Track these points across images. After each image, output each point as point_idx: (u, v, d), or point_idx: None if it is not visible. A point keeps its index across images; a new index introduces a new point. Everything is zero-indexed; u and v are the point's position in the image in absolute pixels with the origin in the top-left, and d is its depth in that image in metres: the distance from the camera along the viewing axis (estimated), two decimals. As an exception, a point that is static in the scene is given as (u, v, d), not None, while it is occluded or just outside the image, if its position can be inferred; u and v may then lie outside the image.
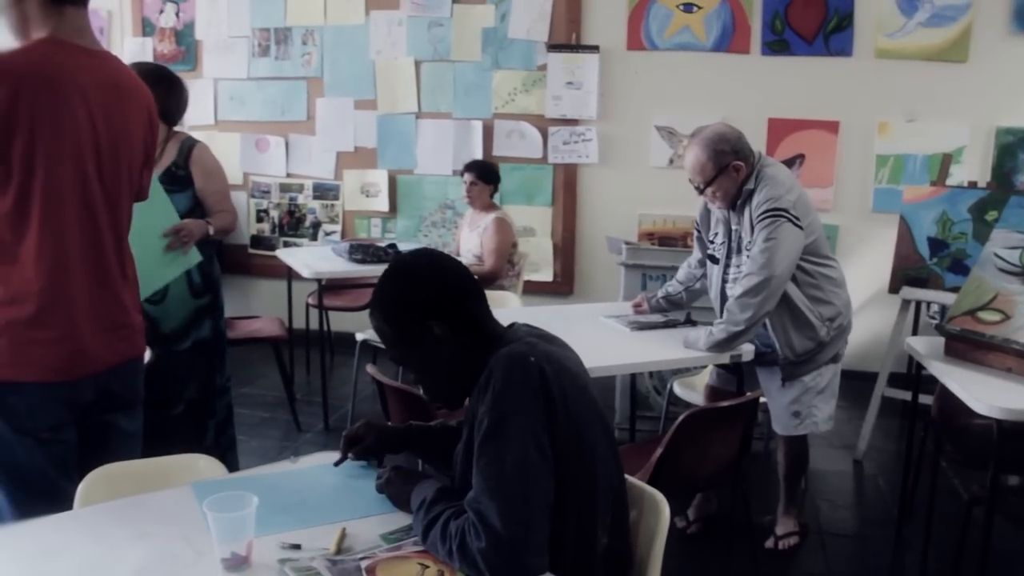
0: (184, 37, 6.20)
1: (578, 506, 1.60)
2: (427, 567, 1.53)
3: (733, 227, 3.24)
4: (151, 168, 2.35)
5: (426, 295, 1.71)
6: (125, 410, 2.26)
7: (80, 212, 2.04)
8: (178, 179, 3.26)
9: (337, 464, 1.96)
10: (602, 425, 1.71)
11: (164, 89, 3.18)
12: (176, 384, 3.36)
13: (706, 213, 3.40)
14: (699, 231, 3.47)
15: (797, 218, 3.05)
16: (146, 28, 6.23)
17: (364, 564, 1.54)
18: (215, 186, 3.39)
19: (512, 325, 1.81)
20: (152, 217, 3.01)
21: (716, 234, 3.34)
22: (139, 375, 2.32)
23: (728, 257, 3.28)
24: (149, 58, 6.12)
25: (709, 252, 3.38)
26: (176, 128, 3.35)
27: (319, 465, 2.01)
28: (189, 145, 3.33)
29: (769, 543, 3.45)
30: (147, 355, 2.54)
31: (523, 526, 1.47)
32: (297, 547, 1.61)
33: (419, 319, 1.70)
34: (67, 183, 2.00)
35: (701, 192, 3.20)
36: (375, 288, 1.77)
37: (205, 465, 2.06)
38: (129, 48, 6.19)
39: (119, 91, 2.12)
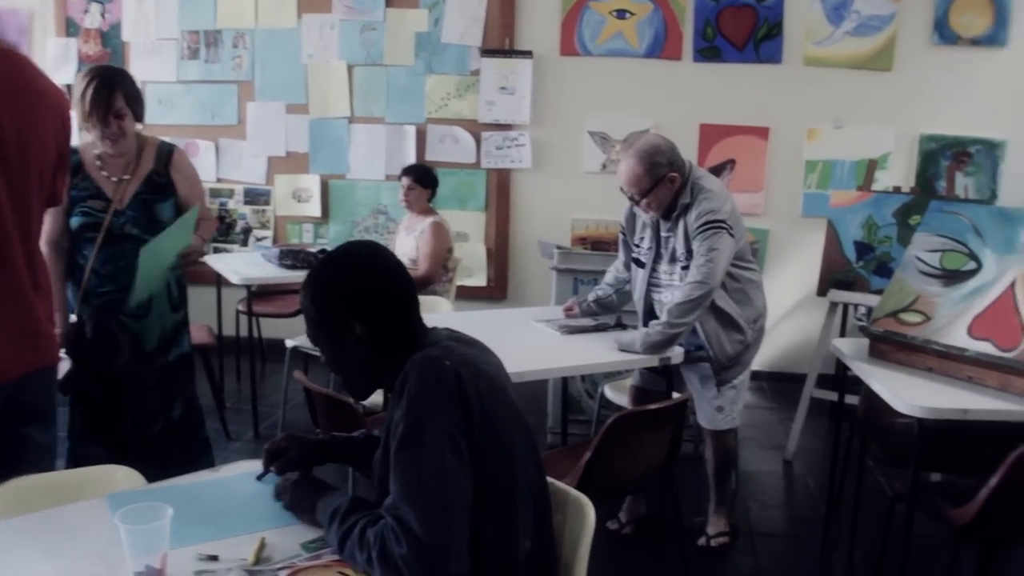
0: (110, 38, 6.05)
1: (498, 509, 1.59)
2: (347, 575, 1.51)
3: (662, 234, 3.27)
4: (65, 173, 2.28)
5: (360, 293, 1.68)
6: (38, 422, 2.18)
7: None
8: (160, 187, 3.12)
9: (259, 478, 1.92)
10: (522, 428, 1.70)
11: (137, 89, 3.07)
12: (160, 400, 3.26)
13: (631, 217, 3.42)
14: (624, 235, 3.49)
15: (731, 227, 3.12)
16: (70, 28, 6.06)
17: (282, 574, 1.50)
18: (198, 193, 3.28)
19: (432, 329, 1.78)
20: (176, 242, 3.04)
21: (642, 239, 3.37)
22: (51, 385, 2.25)
23: (655, 262, 3.31)
24: (73, 60, 5.97)
25: (634, 256, 3.41)
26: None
27: (240, 474, 1.96)
28: (167, 150, 3.17)
29: (701, 541, 3.48)
30: (64, 365, 2.47)
31: (443, 530, 1.46)
32: (214, 558, 1.57)
33: (345, 313, 1.67)
34: None
35: (636, 203, 3.22)
36: (316, 264, 1.76)
37: (122, 476, 2.00)
38: (52, 49, 6.03)
39: (28, 94, 2.05)
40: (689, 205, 3.16)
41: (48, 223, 2.76)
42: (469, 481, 1.52)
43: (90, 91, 2.89)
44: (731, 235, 3.13)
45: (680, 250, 3.21)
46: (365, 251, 1.78)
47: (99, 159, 3.06)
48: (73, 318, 3.05)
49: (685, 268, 3.19)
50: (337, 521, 1.58)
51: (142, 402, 3.19)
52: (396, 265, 1.76)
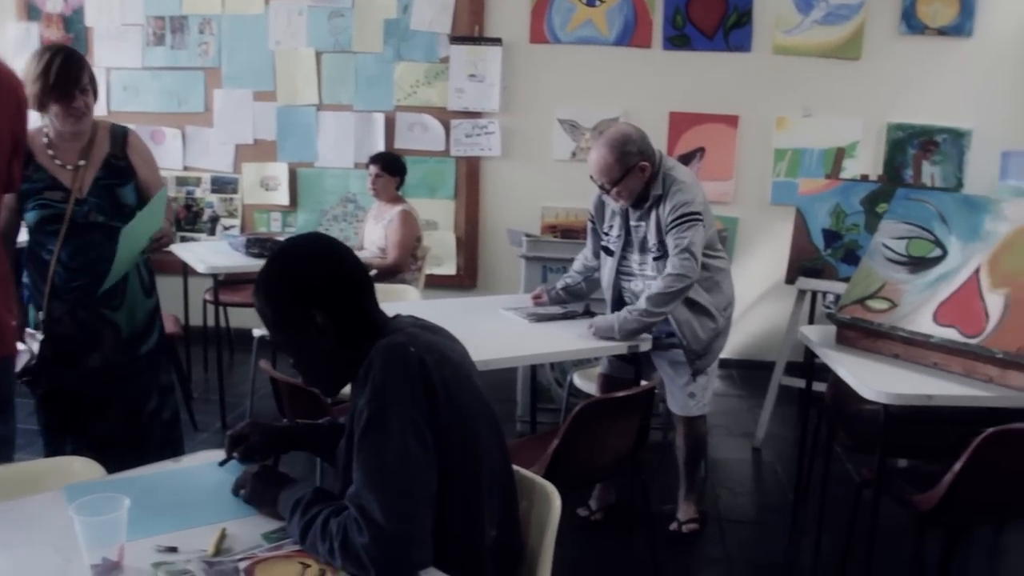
0: (73, 24, 5.95)
1: (463, 498, 1.57)
2: (308, 566, 1.48)
3: (632, 223, 3.27)
4: (21, 158, 2.23)
5: (312, 282, 1.65)
6: (-5, 412, 2.14)
7: None
8: (120, 171, 2.98)
9: (222, 464, 1.89)
10: (488, 416, 1.68)
11: (92, 69, 2.94)
12: (144, 388, 3.19)
13: (600, 205, 3.41)
14: (593, 223, 3.48)
15: (702, 218, 3.14)
16: (31, 12, 5.94)
17: (242, 565, 1.48)
18: (157, 176, 3.15)
19: (396, 316, 1.76)
20: (150, 225, 2.92)
21: (611, 227, 3.35)
22: (10, 375, 2.20)
23: (624, 251, 3.30)
24: (35, 45, 5.85)
25: (603, 244, 3.40)
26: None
27: (201, 464, 1.93)
28: (122, 132, 3.04)
29: (673, 526, 3.49)
30: (27, 355, 2.42)
31: (406, 519, 1.44)
32: (174, 550, 1.54)
33: (302, 306, 1.64)
34: None
35: (607, 192, 3.21)
36: (261, 268, 1.71)
37: (81, 467, 1.96)
38: (12, 33, 5.92)
39: None
40: (662, 197, 3.15)
41: None
42: (434, 469, 1.51)
43: (56, 64, 2.73)
44: (704, 226, 3.14)
45: (652, 241, 3.20)
46: (308, 241, 1.75)
47: (50, 147, 2.90)
48: (40, 315, 2.95)
49: (657, 259, 3.19)
50: (299, 512, 1.55)
51: (130, 393, 3.12)
52: (343, 249, 1.73)
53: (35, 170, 2.84)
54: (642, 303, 3.10)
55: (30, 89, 2.64)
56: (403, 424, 1.49)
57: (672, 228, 3.11)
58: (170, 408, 3.33)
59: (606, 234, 3.39)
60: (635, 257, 3.30)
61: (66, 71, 2.75)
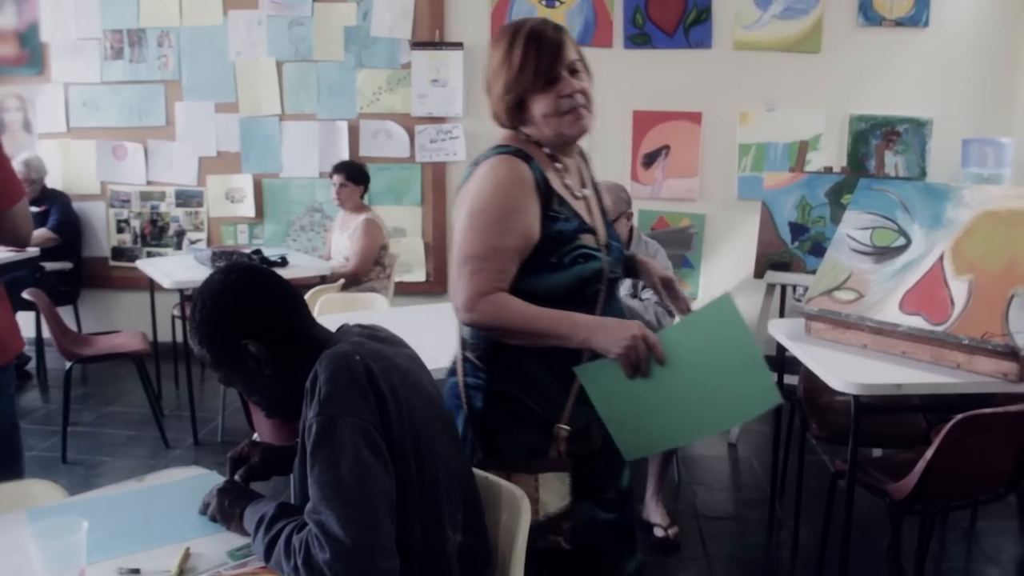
0: (28, 39, 5.88)
1: (421, 505, 1.54)
2: (274, 583, 1.46)
3: None
4: None
5: (235, 314, 1.62)
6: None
7: None
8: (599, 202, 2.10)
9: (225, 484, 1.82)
10: (442, 421, 1.66)
11: None
12: None
13: None
14: None
15: None
16: (-17, 30, 5.88)
17: (207, 584, 1.45)
18: None
19: (341, 327, 1.73)
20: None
21: None
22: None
23: None
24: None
25: None
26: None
27: (166, 483, 1.89)
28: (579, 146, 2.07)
29: (659, 532, 3.44)
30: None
31: (367, 531, 1.41)
32: (136, 571, 1.50)
33: (232, 340, 1.61)
34: None
35: None
36: (188, 312, 1.68)
37: (40, 490, 1.92)
38: (-34, 54, 5.85)
39: None
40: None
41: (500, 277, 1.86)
42: (391, 476, 1.47)
43: (529, 30, 1.88)
44: None
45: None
46: (216, 278, 1.68)
47: (556, 161, 1.90)
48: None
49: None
50: (263, 528, 1.51)
51: None
52: (261, 273, 1.70)
53: (560, 203, 1.86)
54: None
55: (507, 83, 1.85)
56: (354, 433, 1.45)
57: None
58: None
59: None
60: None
61: (546, 35, 1.87)
